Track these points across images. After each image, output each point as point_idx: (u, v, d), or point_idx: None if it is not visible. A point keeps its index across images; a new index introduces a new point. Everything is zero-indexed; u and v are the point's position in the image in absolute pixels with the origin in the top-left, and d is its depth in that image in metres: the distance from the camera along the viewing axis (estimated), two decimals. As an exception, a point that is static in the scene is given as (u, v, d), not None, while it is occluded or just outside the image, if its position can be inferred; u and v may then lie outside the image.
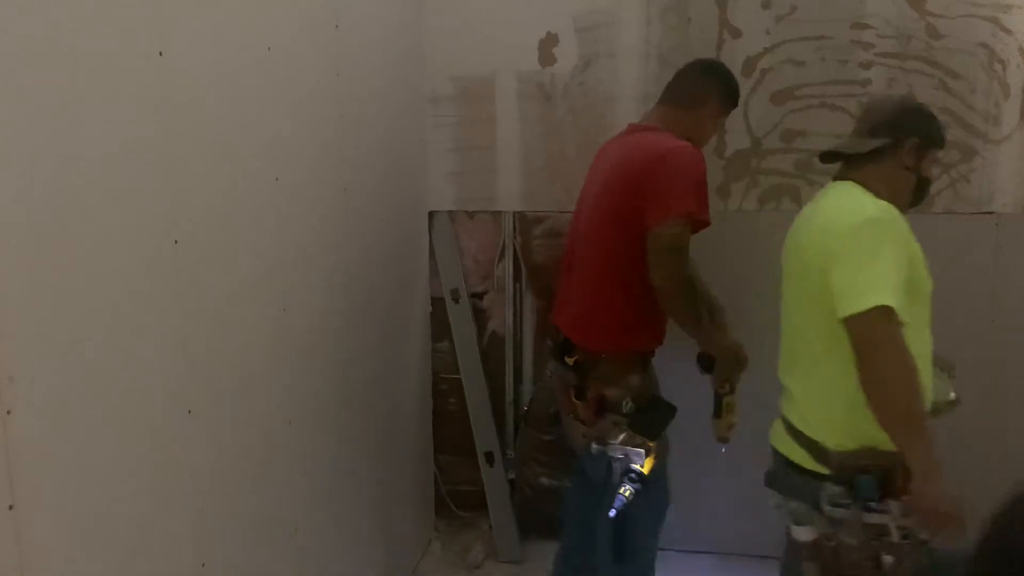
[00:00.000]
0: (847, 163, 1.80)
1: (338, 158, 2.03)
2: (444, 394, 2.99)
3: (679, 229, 1.89)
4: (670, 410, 2.05)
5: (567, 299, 2.15)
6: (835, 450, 1.65)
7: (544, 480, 2.92)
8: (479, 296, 2.92)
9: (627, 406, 2.01)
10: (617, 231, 1.97)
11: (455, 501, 3.04)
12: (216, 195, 1.44)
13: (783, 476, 1.77)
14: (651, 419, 2.03)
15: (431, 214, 2.84)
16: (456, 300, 2.87)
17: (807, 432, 1.71)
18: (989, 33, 2.50)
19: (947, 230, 2.57)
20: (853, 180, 1.75)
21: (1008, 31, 2.50)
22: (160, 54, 1.27)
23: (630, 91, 2.68)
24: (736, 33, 2.59)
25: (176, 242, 1.32)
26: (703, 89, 2.12)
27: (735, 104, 2.19)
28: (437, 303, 2.90)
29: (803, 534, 1.71)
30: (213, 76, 1.43)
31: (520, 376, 2.92)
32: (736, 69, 2.60)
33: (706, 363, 2.10)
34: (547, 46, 2.70)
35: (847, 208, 1.67)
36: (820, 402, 1.70)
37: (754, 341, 2.66)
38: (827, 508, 1.64)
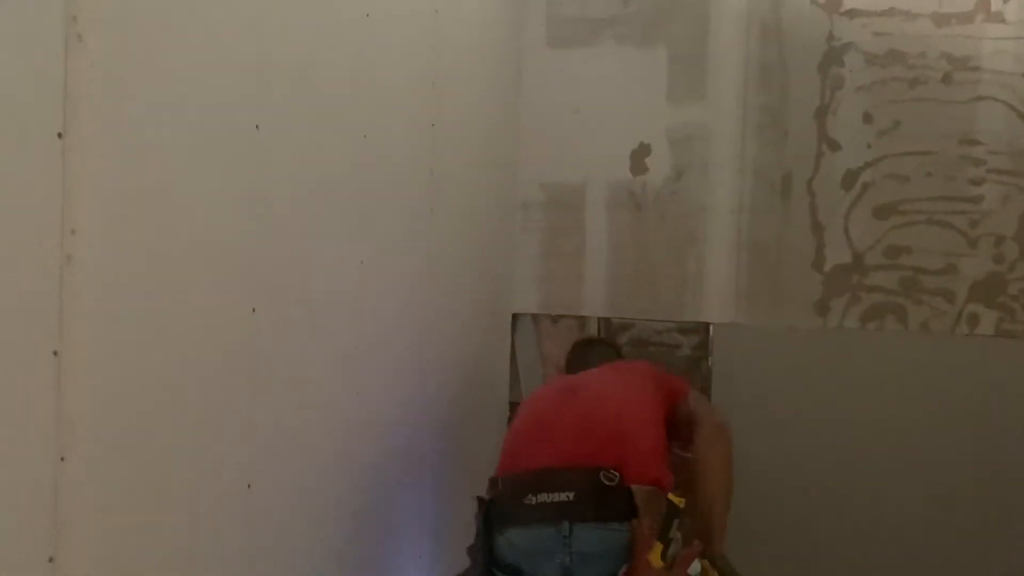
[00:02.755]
0: None
1: (425, 253, 2.04)
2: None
3: None
4: None
5: (574, 432, 1.68)
6: None
7: None
8: (560, 405, 2.83)
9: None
10: (653, 404, 1.87)
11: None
12: (297, 277, 1.44)
13: None
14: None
15: (514, 317, 2.81)
16: (536, 408, 2.78)
17: None
18: (1112, 151, 2.37)
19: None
20: None
21: None
22: (256, 127, 1.31)
23: (724, 203, 2.63)
24: (835, 146, 2.53)
25: (254, 311, 1.31)
26: None
27: None
28: (515, 409, 2.82)
29: None
30: (309, 159, 1.46)
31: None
32: (836, 182, 2.54)
33: None
34: (639, 156, 2.71)
35: None
36: None
37: (849, 463, 2.46)
38: None
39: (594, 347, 2.51)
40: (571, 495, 1.52)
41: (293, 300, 1.42)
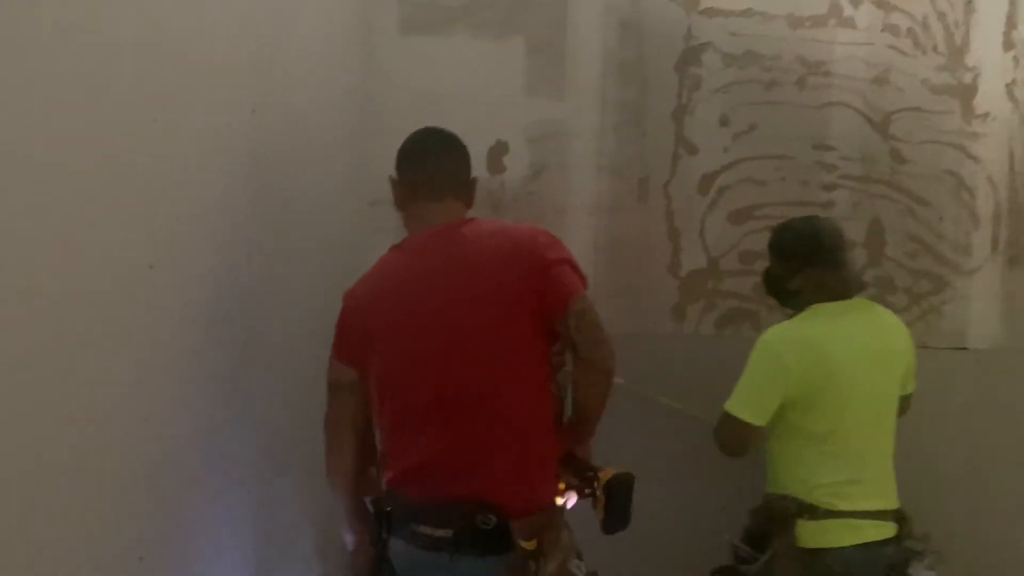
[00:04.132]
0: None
1: (246, 254, 1.82)
2: None
3: (590, 301, 1.63)
4: None
5: (457, 452, 1.62)
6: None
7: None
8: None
9: (580, 570, 1.62)
10: (533, 337, 1.63)
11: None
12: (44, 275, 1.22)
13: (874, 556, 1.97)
14: None
15: (364, 324, 2.62)
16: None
17: (894, 505, 2.02)
18: (956, 160, 2.41)
19: (920, 365, 2.36)
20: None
21: (975, 159, 2.40)
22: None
23: (582, 203, 2.53)
24: (692, 149, 2.48)
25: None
26: (468, 169, 1.84)
27: None
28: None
29: None
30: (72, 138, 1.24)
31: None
32: (692, 186, 2.48)
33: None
34: (496, 154, 2.58)
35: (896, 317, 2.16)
36: (891, 475, 2.06)
37: (707, 470, 2.40)
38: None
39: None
40: (450, 532, 1.58)
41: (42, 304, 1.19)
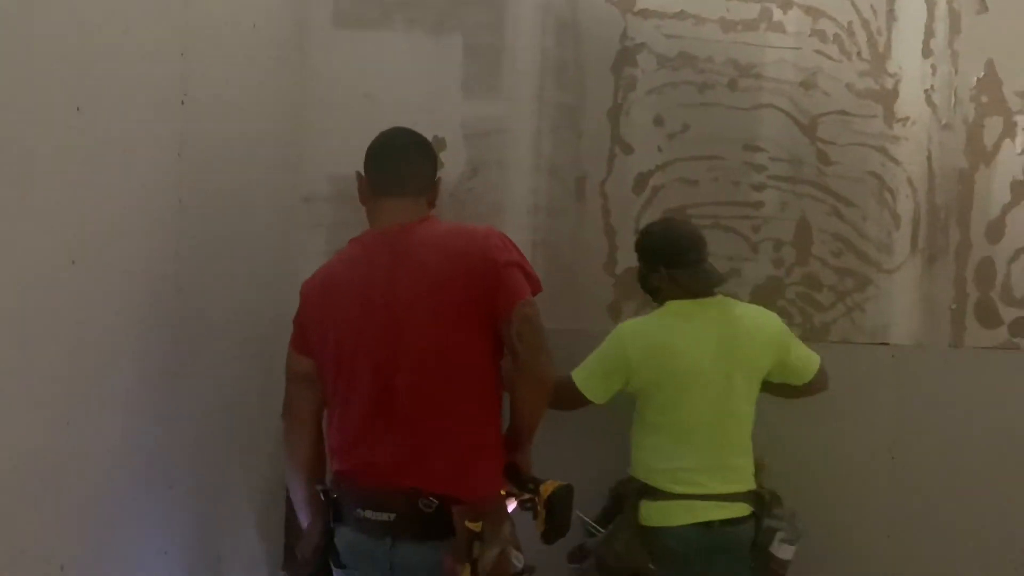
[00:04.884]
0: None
1: (174, 252, 1.76)
2: None
3: (536, 307, 1.66)
4: None
5: (404, 449, 1.65)
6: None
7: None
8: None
9: (519, 561, 1.65)
10: (481, 336, 1.67)
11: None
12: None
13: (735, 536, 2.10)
14: None
15: (297, 322, 2.57)
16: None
17: (746, 487, 2.15)
18: (878, 163, 2.49)
19: (843, 360, 2.44)
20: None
21: (896, 161, 2.49)
22: None
23: (520, 202, 2.54)
24: (628, 149, 2.51)
25: None
26: (434, 170, 1.87)
27: None
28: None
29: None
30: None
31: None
32: (627, 185, 2.51)
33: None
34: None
35: (763, 313, 2.28)
36: (743, 460, 2.18)
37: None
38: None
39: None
40: (392, 516, 1.63)
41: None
